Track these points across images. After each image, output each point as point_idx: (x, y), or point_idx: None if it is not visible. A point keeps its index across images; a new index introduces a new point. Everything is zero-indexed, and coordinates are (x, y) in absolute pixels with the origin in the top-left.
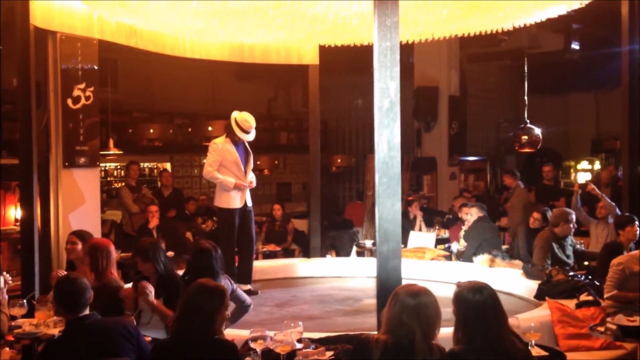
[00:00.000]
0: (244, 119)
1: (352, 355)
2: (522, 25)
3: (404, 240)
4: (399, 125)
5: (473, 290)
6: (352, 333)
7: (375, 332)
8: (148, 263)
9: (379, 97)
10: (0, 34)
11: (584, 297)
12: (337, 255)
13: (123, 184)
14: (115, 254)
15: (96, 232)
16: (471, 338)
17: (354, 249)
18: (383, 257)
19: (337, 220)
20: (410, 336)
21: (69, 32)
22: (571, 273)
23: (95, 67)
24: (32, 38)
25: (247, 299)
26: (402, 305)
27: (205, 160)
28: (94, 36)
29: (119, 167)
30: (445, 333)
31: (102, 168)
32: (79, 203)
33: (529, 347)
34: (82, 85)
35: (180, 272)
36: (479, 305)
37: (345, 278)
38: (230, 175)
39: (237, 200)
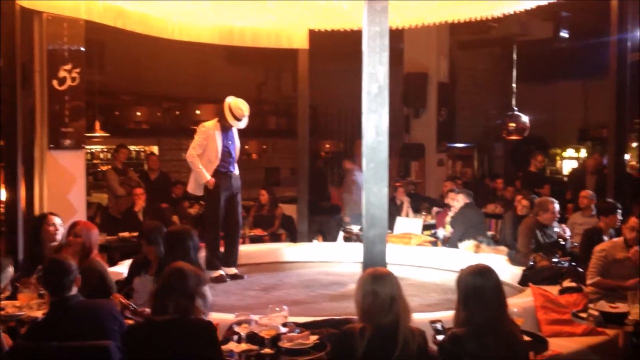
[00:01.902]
0: (238, 106)
1: (337, 347)
2: (511, 13)
3: (391, 226)
4: (387, 110)
5: (477, 273)
6: (337, 317)
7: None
8: (151, 246)
9: (368, 82)
10: None
11: (567, 283)
12: (324, 240)
13: (109, 166)
14: (98, 236)
15: (82, 214)
16: (472, 320)
17: (341, 234)
18: (369, 242)
19: (325, 206)
20: (393, 323)
21: (55, 13)
22: (555, 259)
23: (82, 49)
24: (18, 18)
25: None
26: (374, 291)
27: (192, 143)
28: (80, 17)
29: (105, 149)
30: (434, 318)
31: (89, 151)
32: (64, 185)
33: None
34: (68, 67)
35: None
36: (481, 288)
37: (331, 263)
38: (205, 162)
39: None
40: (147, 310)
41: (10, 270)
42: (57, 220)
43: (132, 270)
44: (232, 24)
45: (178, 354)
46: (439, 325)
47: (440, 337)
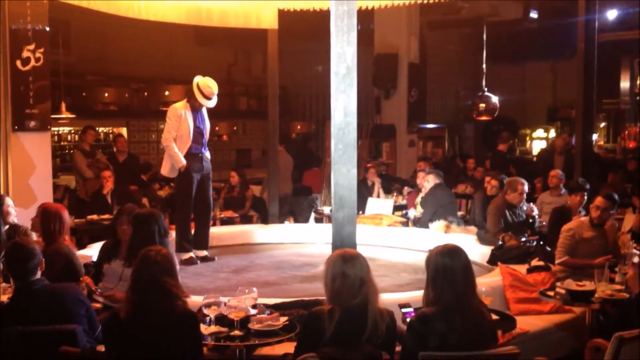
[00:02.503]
0: (206, 84)
1: (305, 329)
2: None
3: (362, 207)
4: (355, 91)
5: (445, 253)
6: (307, 299)
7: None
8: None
9: (336, 63)
10: None
11: (535, 262)
12: (296, 221)
13: (77, 149)
14: (68, 219)
15: (48, 197)
16: (440, 299)
17: (312, 215)
18: (338, 224)
19: (296, 187)
20: (362, 304)
21: None
22: (523, 239)
23: (46, 28)
24: None
25: None
26: (343, 273)
27: (163, 126)
28: None
29: (72, 131)
30: (405, 298)
31: (56, 132)
32: (29, 168)
33: None
34: (32, 47)
35: None
36: (450, 268)
37: (303, 244)
38: (178, 144)
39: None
40: (117, 294)
41: None
42: (9, 202)
43: (102, 255)
44: (199, 3)
45: (159, 344)
46: (408, 312)
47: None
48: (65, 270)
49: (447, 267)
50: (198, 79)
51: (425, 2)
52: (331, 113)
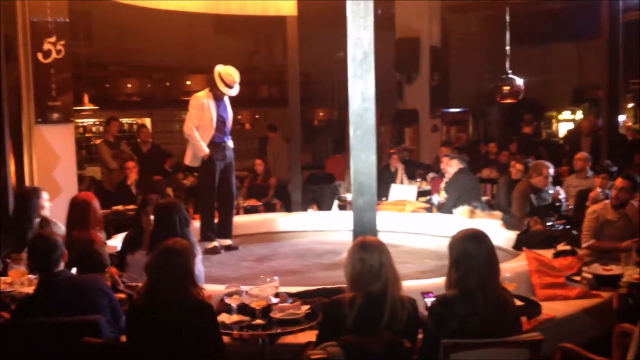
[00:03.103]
0: (228, 73)
1: (326, 317)
2: None
3: (385, 193)
4: (372, 76)
5: (469, 237)
6: (329, 286)
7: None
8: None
9: (353, 48)
10: None
11: (561, 246)
12: (319, 209)
13: (101, 140)
14: (97, 209)
15: (72, 188)
16: (462, 284)
17: (335, 202)
18: (358, 210)
19: (319, 174)
20: (382, 290)
21: None
22: (549, 223)
23: (67, 20)
24: None
25: None
26: (362, 259)
27: (185, 115)
28: None
29: (97, 123)
30: (428, 284)
31: (81, 124)
32: (53, 160)
33: None
34: (53, 39)
35: None
36: (473, 253)
37: (326, 232)
38: (201, 133)
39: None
40: (141, 284)
41: None
42: (45, 195)
43: (125, 246)
44: None
45: (174, 335)
46: (429, 300)
47: None
48: (81, 261)
49: (470, 252)
50: (219, 68)
51: None
52: (349, 99)
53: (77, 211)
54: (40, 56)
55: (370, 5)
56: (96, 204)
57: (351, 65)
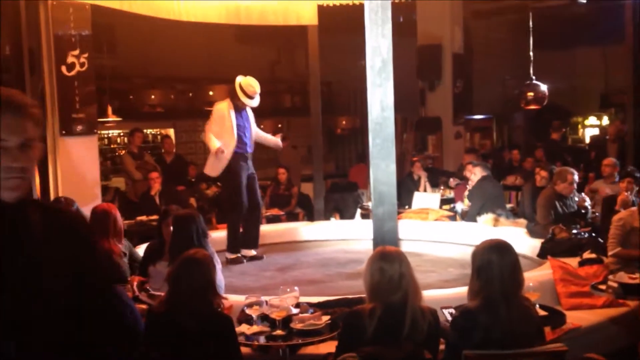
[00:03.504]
0: (249, 84)
1: (346, 328)
2: None
3: (409, 201)
4: (391, 85)
5: (492, 248)
6: (350, 296)
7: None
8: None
9: (371, 56)
10: None
11: (586, 254)
12: (341, 217)
13: (125, 151)
14: (117, 219)
15: (96, 199)
16: (484, 294)
17: (358, 211)
18: (378, 220)
19: (341, 183)
20: (402, 300)
21: None
22: (575, 230)
23: (90, 33)
24: (23, 4)
25: None
26: (381, 269)
27: (207, 125)
28: (85, 1)
29: (122, 134)
30: (451, 293)
31: (105, 135)
32: (77, 171)
33: None
34: (76, 52)
35: None
36: (496, 264)
37: (349, 241)
38: (222, 142)
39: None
40: (163, 294)
41: None
42: (75, 206)
43: (147, 257)
44: (238, 3)
45: (192, 345)
46: (449, 313)
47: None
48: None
49: (493, 263)
50: (240, 79)
51: None
52: (368, 108)
53: (97, 222)
54: (64, 69)
55: (389, 13)
56: (117, 214)
57: (370, 73)
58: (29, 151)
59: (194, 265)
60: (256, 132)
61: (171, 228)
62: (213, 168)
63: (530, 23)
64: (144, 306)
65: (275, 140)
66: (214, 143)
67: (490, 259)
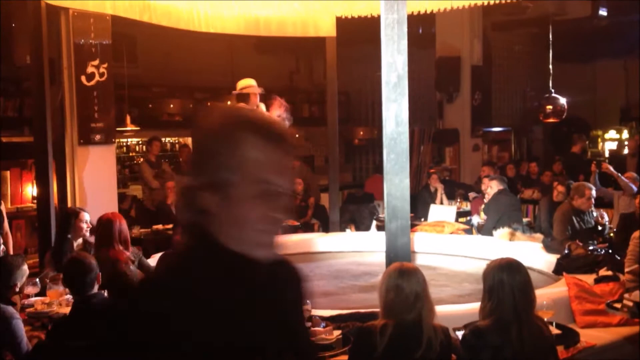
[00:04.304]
0: (242, 81)
1: (357, 345)
2: None
3: (425, 214)
4: (406, 100)
5: (503, 267)
6: (363, 311)
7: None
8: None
9: (386, 72)
10: (13, 11)
11: (603, 272)
12: (357, 229)
13: (143, 159)
14: (121, 227)
15: (113, 208)
16: (495, 313)
17: (374, 223)
18: (392, 235)
19: (357, 194)
20: (416, 320)
21: (80, 9)
22: (591, 247)
23: (109, 43)
24: (44, 14)
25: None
26: (398, 287)
27: None
28: (106, 12)
29: (140, 142)
30: (465, 309)
31: (124, 144)
32: (95, 180)
33: None
34: (96, 62)
35: None
36: (507, 284)
37: (364, 253)
38: None
39: None
40: None
41: (25, 268)
42: (87, 217)
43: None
44: (257, 14)
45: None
46: (460, 332)
47: None
48: (107, 281)
49: (504, 283)
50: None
51: (485, 3)
52: (383, 122)
53: (102, 230)
54: (83, 79)
55: (404, 28)
56: (122, 222)
57: (385, 88)
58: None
59: None
60: None
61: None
62: None
63: (550, 36)
64: None
65: None
66: None
67: (501, 278)
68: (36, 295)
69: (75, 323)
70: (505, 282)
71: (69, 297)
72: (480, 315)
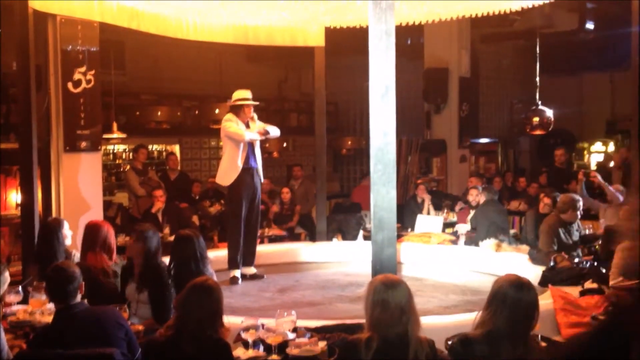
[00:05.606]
0: (237, 93)
1: (342, 358)
2: (530, 7)
3: (412, 224)
4: (394, 111)
5: (514, 284)
6: (349, 322)
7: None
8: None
9: (374, 82)
10: None
11: (588, 284)
12: (344, 239)
13: (129, 167)
14: (106, 235)
15: (98, 216)
16: (490, 325)
17: (361, 233)
18: (378, 246)
19: (345, 204)
20: (401, 334)
21: (68, 15)
22: (576, 260)
23: (97, 50)
24: (31, 21)
25: None
26: (384, 301)
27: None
28: (94, 19)
29: (127, 149)
30: (451, 321)
31: (110, 151)
32: (80, 187)
33: None
34: (83, 69)
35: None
36: (511, 299)
37: (350, 263)
38: (228, 159)
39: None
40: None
41: (6, 275)
42: (66, 225)
43: (122, 278)
44: (245, 23)
45: None
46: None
47: None
48: (89, 289)
49: (507, 297)
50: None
51: (473, 15)
52: (370, 133)
53: (88, 234)
54: (70, 86)
55: (392, 40)
56: (109, 230)
57: (373, 99)
58: None
59: (204, 293)
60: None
61: (137, 246)
62: (225, 177)
63: (538, 48)
64: (140, 327)
65: (260, 130)
66: (256, 135)
67: (506, 292)
68: (19, 303)
69: (57, 332)
70: (509, 296)
71: (52, 305)
72: (475, 323)
